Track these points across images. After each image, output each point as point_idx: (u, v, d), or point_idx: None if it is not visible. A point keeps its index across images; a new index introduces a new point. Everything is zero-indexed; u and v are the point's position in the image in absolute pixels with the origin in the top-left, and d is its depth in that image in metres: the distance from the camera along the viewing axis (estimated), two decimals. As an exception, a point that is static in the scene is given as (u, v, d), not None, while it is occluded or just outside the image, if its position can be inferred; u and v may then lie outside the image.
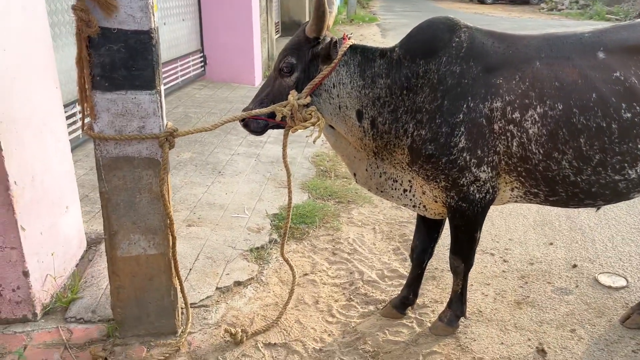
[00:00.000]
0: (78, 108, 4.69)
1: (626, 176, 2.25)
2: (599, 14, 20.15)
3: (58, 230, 2.82)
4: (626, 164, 2.22)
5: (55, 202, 2.80)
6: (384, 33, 15.97)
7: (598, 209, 2.58)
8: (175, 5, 7.36)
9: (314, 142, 2.49)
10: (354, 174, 2.67)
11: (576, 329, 2.77)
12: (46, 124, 2.71)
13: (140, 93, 2.22)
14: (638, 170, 2.24)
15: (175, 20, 7.35)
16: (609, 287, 3.15)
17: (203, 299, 2.89)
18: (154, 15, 2.17)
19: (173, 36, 7.33)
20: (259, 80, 8.70)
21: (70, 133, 4.36)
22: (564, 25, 17.36)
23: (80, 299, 2.78)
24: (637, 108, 2.17)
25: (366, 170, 2.60)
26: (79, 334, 2.58)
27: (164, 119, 2.33)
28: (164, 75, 7.12)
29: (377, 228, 3.88)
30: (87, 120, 2.29)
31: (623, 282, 3.19)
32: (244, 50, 8.35)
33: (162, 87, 2.35)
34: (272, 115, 2.41)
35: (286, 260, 2.87)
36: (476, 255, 3.27)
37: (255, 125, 2.48)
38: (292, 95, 2.36)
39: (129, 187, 2.35)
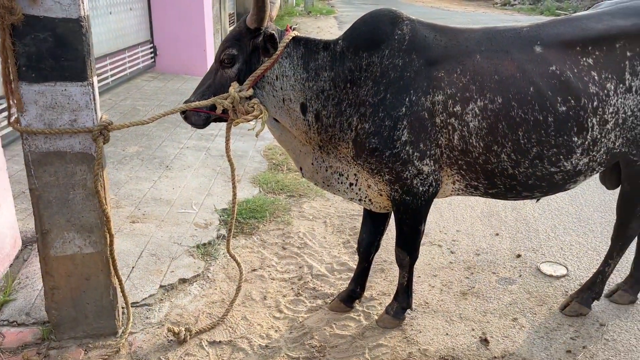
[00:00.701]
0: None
1: (562, 168, 2.30)
2: (549, 9, 20.78)
3: (-12, 230, 2.68)
4: (562, 156, 2.27)
5: (-15, 199, 2.65)
6: (341, 26, 15.97)
7: (537, 200, 2.64)
8: (122, -6, 7.12)
9: (257, 135, 2.44)
10: (300, 168, 2.63)
11: (518, 318, 2.84)
12: (-28, 117, 2.56)
13: (70, 85, 2.12)
14: (573, 162, 2.30)
15: (122, 9, 7.09)
16: (550, 276, 3.24)
17: (146, 298, 2.80)
18: (83, 2, 2.06)
19: (120, 26, 7.08)
20: (212, 72, 8.52)
21: (4, 127, 4.14)
22: (516, 20, 17.78)
23: (13, 301, 2.65)
24: (572, 102, 2.22)
25: (312, 164, 2.57)
26: (11, 337, 2.46)
27: (97, 112, 2.23)
28: (111, 67, 6.87)
29: (328, 221, 3.87)
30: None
31: (563, 271, 3.29)
32: (196, 42, 8.17)
33: (96, 79, 2.24)
34: (213, 107, 2.34)
35: (232, 257, 2.82)
36: (424, 247, 3.31)
37: (196, 118, 2.41)
38: (233, 87, 2.30)
39: (62, 184, 2.25)
